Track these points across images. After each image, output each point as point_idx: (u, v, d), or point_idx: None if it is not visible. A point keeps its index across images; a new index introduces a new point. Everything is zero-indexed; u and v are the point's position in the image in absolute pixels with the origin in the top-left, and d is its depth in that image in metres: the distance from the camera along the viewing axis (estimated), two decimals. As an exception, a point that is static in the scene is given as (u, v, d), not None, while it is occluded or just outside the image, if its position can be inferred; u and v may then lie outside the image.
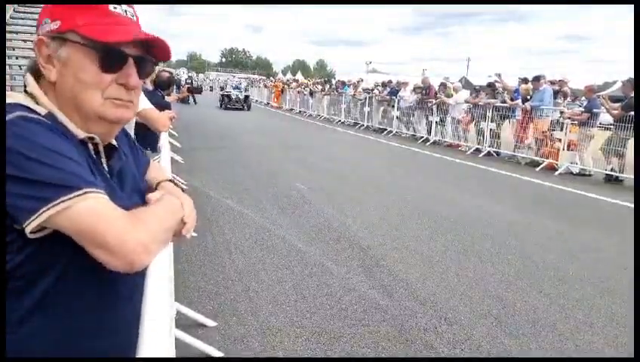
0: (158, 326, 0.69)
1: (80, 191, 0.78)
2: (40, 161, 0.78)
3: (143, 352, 0.63)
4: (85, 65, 0.87)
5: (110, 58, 0.88)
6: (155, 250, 0.85)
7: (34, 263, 0.85)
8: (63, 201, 0.77)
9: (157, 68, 6.60)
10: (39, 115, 0.85)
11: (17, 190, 0.77)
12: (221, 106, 23.13)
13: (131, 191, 1.00)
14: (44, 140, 0.80)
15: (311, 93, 22.40)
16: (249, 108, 23.16)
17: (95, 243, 0.79)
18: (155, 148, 3.64)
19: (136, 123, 3.18)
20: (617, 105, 9.03)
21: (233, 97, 23.02)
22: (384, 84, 16.99)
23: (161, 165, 1.70)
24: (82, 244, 0.80)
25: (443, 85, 13.45)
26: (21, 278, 0.85)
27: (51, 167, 0.78)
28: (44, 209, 0.77)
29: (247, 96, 23.74)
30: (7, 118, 0.80)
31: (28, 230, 0.78)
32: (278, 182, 6.95)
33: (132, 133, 3.19)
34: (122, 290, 0.96)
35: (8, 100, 0.86)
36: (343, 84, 20.39)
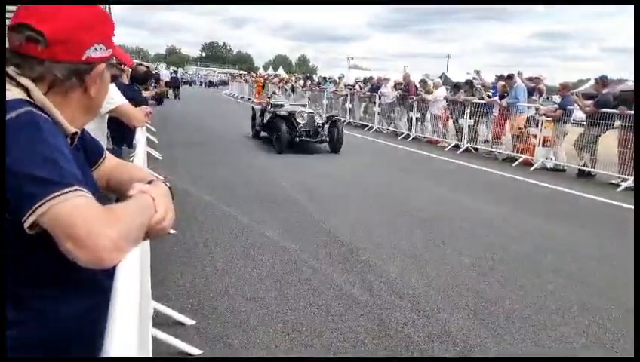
0: (126, 324, 0.69)
1: (72, 188, 0.82)
2: (47, 157, 0.83)
3: (111, 350, 0.64)
4: (109, 79, 1.10)
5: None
6: (126, 248, 0.86)
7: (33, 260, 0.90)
8: (54, 198, 0.80)
9: (134, 62, 6.48)
10: (40, 110, 0.91)
11: (22, 185, 0.80)
12: (257, 137, 11.23)
13: (88, 175, 1.07)
14: (51, 137, 0.86)
15: (292, 89, 22.33)
16: (338, 147, 10.02)
17: (67, 237, 0.80)
18: (130, 144, 3.59)
19: (110, 119, 3.13)
20: (590, 102, 9.27)
21: (301, 123, 9.84)
22: (365, 81, 17.06)
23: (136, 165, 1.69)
24: (56, 237, 0.81)
25: (423, 82, 13.58)
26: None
27: (54, 165, 0.83)
28: (38, 204, 0.79)
29: (335, 121, 10.40)
30: (16, 112, 0.86)
31: (25, 226, 0.81)
32: (259, 179, 6.92)
33: (105, 128, 3.14)
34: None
35: (8, 95, 0.89)
36: (325, 79, 20.41)
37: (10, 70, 0.93)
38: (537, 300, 3.38)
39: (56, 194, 0.80)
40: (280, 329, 2.81)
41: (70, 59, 0.96)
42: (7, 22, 0.99)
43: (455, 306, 3.23)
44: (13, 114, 0.85)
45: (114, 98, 3.02)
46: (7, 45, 0.95)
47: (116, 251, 0.82)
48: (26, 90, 0.92)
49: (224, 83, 39.95)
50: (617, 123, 8.57)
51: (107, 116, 3.08)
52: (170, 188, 1.09)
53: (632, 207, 6.46)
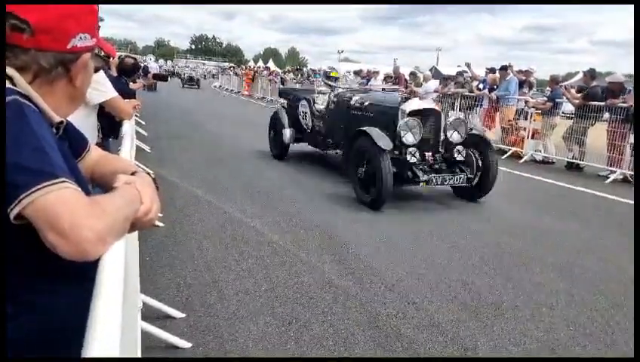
0: (109, 314, 0.68)
1: (58, 179, 0.80)
2: (33, 147, 0.82)
3: (94, 341, 0.63)
4: (93, 68, 1.09)
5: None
6: (111, 240, 0.85)
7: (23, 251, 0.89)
8: (39, 189, 0.78)
9: (122, 54, 6.38)
10: (26, 98, 0.91)
11: (7, 175, 0.78)
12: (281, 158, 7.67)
13: (75, 166, 1.05)
14: (37, 127, 0.86)
15: (282, 81, 22.20)
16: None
17: (50, 228, 0.78)
18: (117, 136, 3.57)
19: (99, 111, 3.10)
20: (579, 94, 9.35)
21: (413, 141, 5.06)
22: (356, 73, 17.01)
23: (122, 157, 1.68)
24: (39, 229, 0.80)
25: (413, 74, 13.59)
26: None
27: (41, 155, 0.82)
28: (24, 195, 0.78)
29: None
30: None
31: (11, 216, 0.79)
32: (248, 172, 6.89)
33: (96, 120, 3.11)
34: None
35: None
36: (315, 72, 20.33)
37: None
38: (525, 292, 3.41)
39: (41, 185, 0.79)
40: (269, 321, 2.80)
41: (56, 48, 0.95)
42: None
43: (444, 298, 3.24)
44: None
45: (107, 90, 3.00)
46: None
47: (100, 243, 0.82)
48: (11, 79, 0.91)
49: (191, 80, 32.10)
50: (606, 115, 8.67)
51: (97, 107, 3.05)
52: (154, 178, 1.08)
53: (621, 199, 6.56)
